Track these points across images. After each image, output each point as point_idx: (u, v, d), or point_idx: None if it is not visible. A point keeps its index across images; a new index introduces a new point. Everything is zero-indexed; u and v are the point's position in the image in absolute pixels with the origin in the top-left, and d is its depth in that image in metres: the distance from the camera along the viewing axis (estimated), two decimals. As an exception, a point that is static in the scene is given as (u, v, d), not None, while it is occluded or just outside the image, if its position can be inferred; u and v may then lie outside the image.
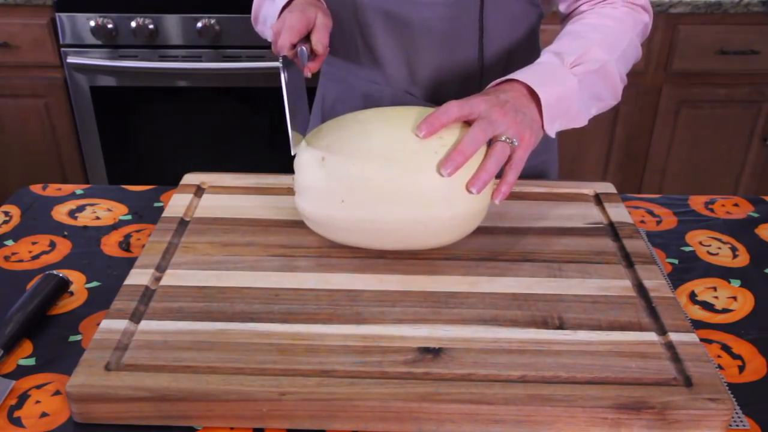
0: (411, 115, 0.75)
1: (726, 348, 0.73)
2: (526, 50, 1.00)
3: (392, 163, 0.72)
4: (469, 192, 0.73)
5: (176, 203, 0.89)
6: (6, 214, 0.94)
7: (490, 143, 0.75)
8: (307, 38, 0.84)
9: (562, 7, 0.96)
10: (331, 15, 0.87)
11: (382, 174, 0.72)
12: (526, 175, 1.06)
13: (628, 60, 0.89)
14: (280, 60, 0.79)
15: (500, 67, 0.98)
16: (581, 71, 0.82)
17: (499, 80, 0.81)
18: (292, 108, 0.77)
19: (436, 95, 1.01)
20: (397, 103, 1.02)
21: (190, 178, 0.95)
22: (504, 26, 0.96)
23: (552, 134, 0.81)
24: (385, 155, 0.73)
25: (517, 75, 0.80)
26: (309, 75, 0.82)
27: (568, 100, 0.81)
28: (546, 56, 0.83)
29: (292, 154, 0.79)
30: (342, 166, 0.74)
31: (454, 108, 0.74)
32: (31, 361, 0.69)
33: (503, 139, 0.74)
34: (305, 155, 0.77)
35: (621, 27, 0.88)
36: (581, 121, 0.85)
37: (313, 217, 0.78)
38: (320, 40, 0.83)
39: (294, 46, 0.82)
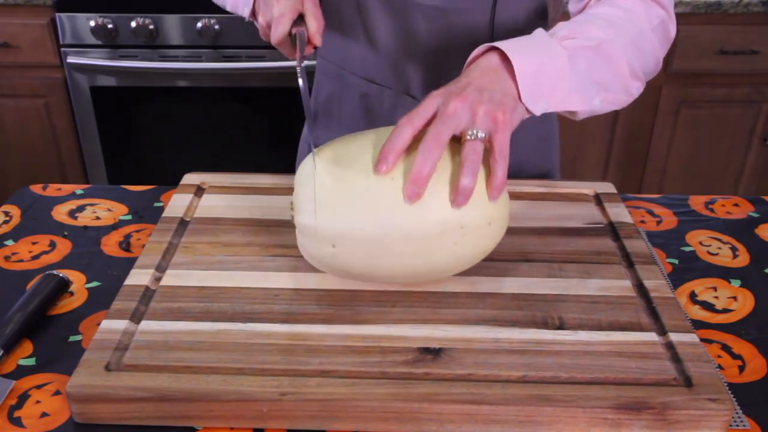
0: (435, 190, 0.68)
1: (726, 348, 0.73)
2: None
3: (411, 258, 0.69)
4: (454, 207, 0.67)
5: (176, 203, 0.89)
6: (6, 214, 0.94)
7: (460, 142, 0.68)
8: (298, 19, 0.83)
9: (571, 7, 0.91)
10: None
11: (399, 265, 0.70)
12: (527, 175, 1.05)
13: (642, 54, 0.81)
14: (298, 70, 0.78)
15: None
16: (573, 45, 0.74)
17: (477, 51, 0.74)
18: (311, 116, 0.74)
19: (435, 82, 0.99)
20: (397, 106, 1.00)
21: (190, 178, 0.95)
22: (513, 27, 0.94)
23: (537, 112, 0.72)
24: (405, 249, 0.69)
25: (496, 43, 0.72)
26: (312, 52, 0.81)
27: (554, 73, 0.73)
28: (537, 30, 0.77)
29: (315, 169, 0.72)
30: (354, 253, 0.70)
31: (406, 127, 0.67)
32: (31, 361, 0.69)
33: (469, 135, 0.67)
34: (313, 232, 0.70)
35: (629, 16, 0.81)
36: (577, 105, 0.75)
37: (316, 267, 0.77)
38: (318, 31, 0.82)
39: (289, 33, 0.81)
